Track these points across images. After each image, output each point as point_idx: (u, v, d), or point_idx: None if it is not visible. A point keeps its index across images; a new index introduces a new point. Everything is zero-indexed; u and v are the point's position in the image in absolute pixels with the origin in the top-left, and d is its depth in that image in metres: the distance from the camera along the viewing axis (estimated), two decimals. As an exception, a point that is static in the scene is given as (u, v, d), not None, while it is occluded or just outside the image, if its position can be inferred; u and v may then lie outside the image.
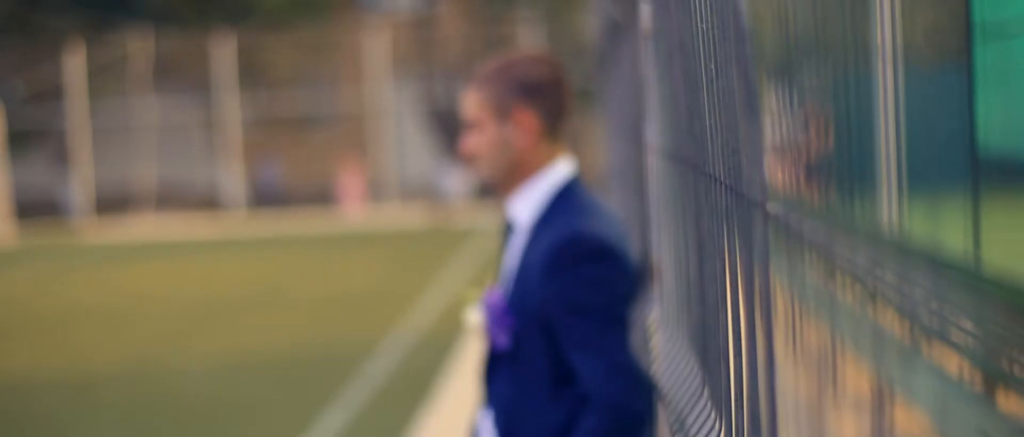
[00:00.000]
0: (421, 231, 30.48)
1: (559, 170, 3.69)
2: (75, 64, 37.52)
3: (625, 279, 3.55)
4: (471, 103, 3.69)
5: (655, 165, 3.83)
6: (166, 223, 36.63)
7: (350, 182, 36.56)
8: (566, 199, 3.65)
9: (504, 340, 3.59)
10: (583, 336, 3.48)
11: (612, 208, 3.78)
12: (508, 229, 3.77)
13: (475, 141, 3.68)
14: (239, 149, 38.50)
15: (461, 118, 3.75)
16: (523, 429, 3.65)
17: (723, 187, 2.36)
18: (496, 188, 3.76)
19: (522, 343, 3.58)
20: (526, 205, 3.68)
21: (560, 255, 3.50)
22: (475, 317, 3.60)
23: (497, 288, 3.67)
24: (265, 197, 38.77)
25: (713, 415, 2.72)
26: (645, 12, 3.86)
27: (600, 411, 3.47)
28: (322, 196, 39.23)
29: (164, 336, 15.87)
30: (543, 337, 3.53)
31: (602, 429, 3.46)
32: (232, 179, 38.77)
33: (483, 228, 29.11)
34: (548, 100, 3.66)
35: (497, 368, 3.65)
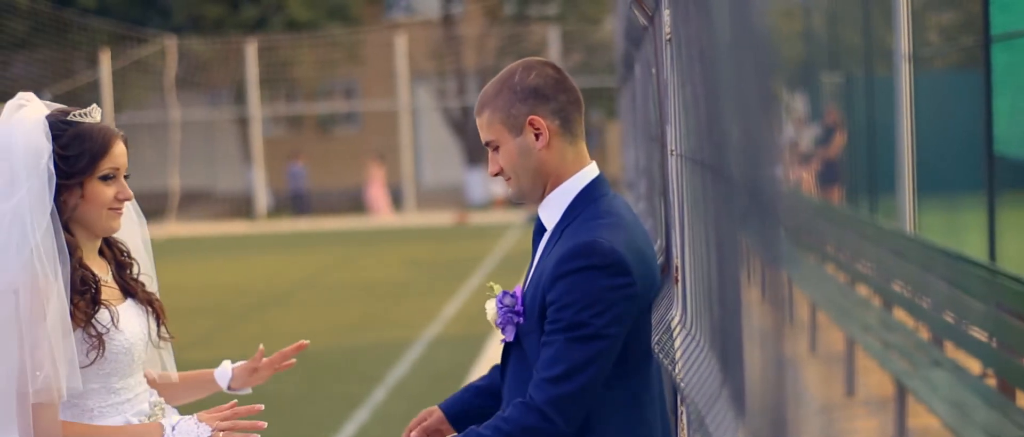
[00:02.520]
0: (448, 231, 30.49)
1: (585, 174, 3.72)
2: (105, 71, 37.64)
3: (629, 301, 3.58)
4: (483, 126, 3.73)
5: (676, 168, 3.87)
6: (195, 226, 36.71)
7: (379, 191, 36.63)
8: (590, 204, 3.67)
9: (509, 334, 3.66)
10: (553, 342, 3.53)
11: (634, 211, 3.81)
12: (538, 231, 3.82)
13: (499, 160, 3.72)
14: (261, 153, 38.59)
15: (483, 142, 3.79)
16: None
17: (742, 190, 2.41)
18: (530, 200, 3.80)
19: (523, 339, 3.63)
20: (553, 209, 3.72)
21: (574, 260, 3.53)
22: (491, 310, 3.67)
23: (519, 286, 3.72)
24: (296, 201, 38.79)
25: (732, 415, 2.76)
26: (666, 17, 3.91)
27: (522, 407, 3.54)
28: (350, 200, 39.30)
29: (195, 332, 15.94)
30: (541, 335, 3.59)
31: (512, 423, 3.53)
32: (258, 183, 38.85)
33: (512, 229, 29.12)
34: (555, 101, 3.69)
35: (508, 359, 3.72)
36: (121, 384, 3.76)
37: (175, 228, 35.93)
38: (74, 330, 3.67)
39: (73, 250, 3.73)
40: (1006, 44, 9.29)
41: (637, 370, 3.63)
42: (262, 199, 38.91)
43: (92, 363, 3.70)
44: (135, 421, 3.83)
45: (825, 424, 8.97)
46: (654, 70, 4.47)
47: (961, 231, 13.03)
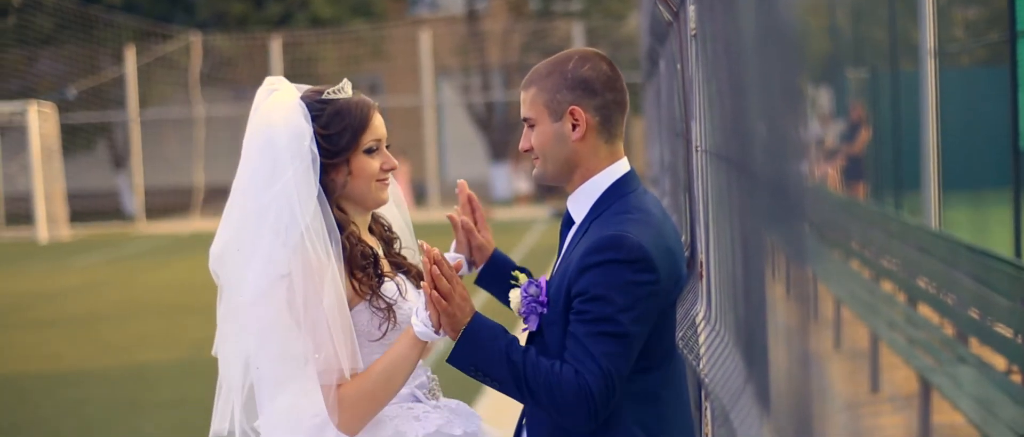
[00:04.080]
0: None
1: (615, 169, 3.72)
2: (130, 67, 37.75)
3: (653, 298, 3.58)
4: (526, 101, 3.74)
5: (701, 164, 3.87)
6: (219, 221, 36.78)
7: (402, 187, 36.71)
8: (619, 198, 3.67)
9: (532, 323, 3.66)
10: (579, 334, 3.52)
11: (662, 207, 3.81)
12: (566, 223, 3.82)
13: (532, 139, 3.73)
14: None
15: (519, 117, 3.80)
16: (534, 418, 3.71)
17: (767, 186, 2.41)
18: (553, 185, 3.82)
19: (546, 329, 3.63)
20: (582, 202, 3.72)
21: (600, 253, 3.53)
22: (516, 299, 3.67)
23: (544, 276, 3.72)
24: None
25: (757, 411, 2.76)
26: (691, 13, 3.90)
27: (573, 375, 3.51)
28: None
29: (215, 328, 15.99)
30: (565, 327, 3.58)
31: (551, 384, 3.50)
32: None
33: (537, 223, 29.10)
34: (601, 98, 3.69)
35: (530, 348, 3.71)
36: None
37: (200, 224, 36.02)
38: (357, 305, 3.69)
39: (346, 227, 3.73)
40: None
41: (658, 367, 3.62)
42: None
43: (383, 336, 3.72)
44: (421, 396, 3.84)
45: (849, 421, 8.96)
46: (679, 66, 4.47)
47: (986, 227, 13.00)
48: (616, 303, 3.49)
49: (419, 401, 3.82)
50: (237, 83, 41.25)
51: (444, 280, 3.53)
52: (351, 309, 3.68)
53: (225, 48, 39.73)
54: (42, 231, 33.44)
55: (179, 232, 34.23)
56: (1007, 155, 9.13)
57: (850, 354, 10.86)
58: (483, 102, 40.28)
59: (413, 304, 3.73)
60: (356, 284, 3.68)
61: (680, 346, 3.59)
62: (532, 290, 3.64)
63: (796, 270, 2.24)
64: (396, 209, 4.02)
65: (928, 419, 7.82)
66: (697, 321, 3.67)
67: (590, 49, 3.82)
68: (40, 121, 34.09)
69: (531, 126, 3.72)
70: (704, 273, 3.72)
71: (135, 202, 38.06)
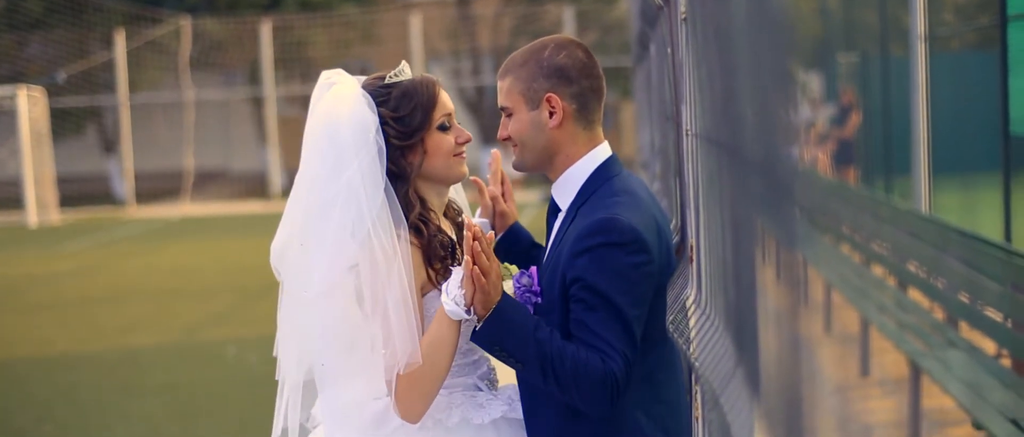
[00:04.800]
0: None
1: (597, 155, 3.72)
2: (120, 51, 37.68)
3: (649, 279, 3.57)
4: (503, 90, 3.74)
5: (691, 148, 3.88)
6: (209, 206, 36.77)
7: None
8: (604, 182, 3.67)
9: None
10: (586, 321, 3.51)
11: (648, 189, 3.81)
12: (553, 211, 3.82)
13: (510, 127, 3.74)
14: (276, 133, 38.63)
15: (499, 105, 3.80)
16: (539, 401, 3.70)
17: (757, 170, 2.41)
18: (534, 172, 3.82)
19: (542, 318, 3.63)
20: (566, 189, 3.73)
21: (592, 237, 3.53)
22: (509, 291, 3.66)
23: (534, 266, 3.72)
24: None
25: (747, 395, 2.76)
26: (681, -3, 3.90)
27: (599, 358, 3.49)
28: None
29: (211, 312, 15.99)
30: (561, 315, 3.58)
31: (577, 368, 3.48)
32: (272, 163, 38.90)
33: (527, 208, 29.10)
34: (577, 85, 3.69)
35: (555, 332, 3.69)
36: (469, 345, 3.74)
37: (190, 208, 36.00)
38: (430, 292, 3.67)
39: (426, 215, 3.72)
40: (1023, 24, 9.26)
41: (654, 349, 3.63)
42: (276, 179, 38.96)
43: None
44: (482, 386, 3.82)
45: (839, 404, 8.97)
46: (669, 50, 4.47)
47: (977, 211, 13.02)
48: (615, 287, 3.49)
49: (481, 390, 3.81)
50: (227, 67, 41.22)
51: (484, 257, 3.49)
52: (424, 295, 3.67)
53: (215, 32, 39.66)
54: (32, 216, 33.40)
55: (169, 216, 34.20)
56: (997, 139, 9.15)
57: (840, 338, 10.88)
58: (473, 86, 40.28)
59: None
60: (433, 273, 3.67)
61: (670, 330, 3.59)
62: (524, 280, 3.64)
63: (786, 254, 2.25)
64: (453, 192, 4.01)
65: (918, 403, 7.83)
66: (687, 305, 3.67)
67: (566, 36, 3.82)
68: (29, 105, 34.02)
69: (508, 115, 3.73)
70: (694, 257, 3.73)
71: (125, 186, 38.02)
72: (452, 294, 3.53)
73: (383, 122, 3.69)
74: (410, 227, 3.67)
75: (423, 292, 3.67)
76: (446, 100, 3.80)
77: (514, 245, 4.08)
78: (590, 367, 3.47)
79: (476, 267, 3.47)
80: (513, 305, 3.55)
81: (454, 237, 3.82)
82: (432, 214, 3.75)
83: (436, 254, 3.68)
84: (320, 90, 3.76)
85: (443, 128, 3.76)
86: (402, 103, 3.72)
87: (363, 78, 3.81)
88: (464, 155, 3.81)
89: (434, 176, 3.76)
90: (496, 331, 3.52)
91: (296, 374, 3.78)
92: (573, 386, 3.48)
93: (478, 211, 4.17)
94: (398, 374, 3.59)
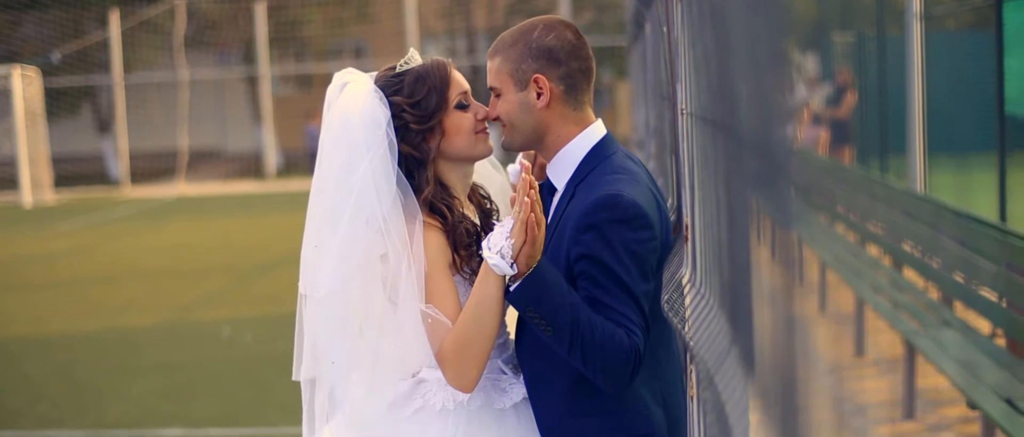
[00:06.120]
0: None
1: (591, 133, 3.72)
2: (114, 31, 37.63)
3: (653, 254, 3.57)
4: (492, 71, 3.75)
5: (686, 127, 3.87)
6: (204, 186, 36.76)
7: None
8: (602, 160, 3.67)
9: None
10: (599, 297, 3.50)
11: (644, 167, 3.81)
12: (548, 191, 3.81)
13: (499, 108, 3.74)
14: (271, 112, 38.61)
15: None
16: (542, 378, 3.70)
17: (752, 149, 2.41)
18: (519, 151, 3.82)
19: None
20: (562, 168, 3.73)
21: (596, 214, 3.52)
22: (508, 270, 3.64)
23: None
24: (313, 161, 38.88)
25: (741, 374, 2.76)
26: (677, -24, 3.89)
27: (625, 334, 3.47)
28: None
29: (206, 291, 16.00)
30: None
31: (606, 341, 3.45)
32: (267, 143, 38.89)
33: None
34: (565, 66, 3.69)
35: (525, 322, 3.69)
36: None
37: (185, 188, 35.98)
38: (454, 275, 3.64)
39: (450, 201, 3.70)
40: (1018, 3, 9.26)
41: (654, 325, 3.63)
42: (272, 158, 38.94)
43: None
44: (507, 370, 3.78)
45: (834, 384, 8.98)
46: (665, 28, 4.46)
47: (972, 191, 13.02)
48: (623, 263, 3.49)
49: (505, 374, 3.80)
50: (221, 47, 41.17)
51: (539, 206, 3.45)
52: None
53: (209, 12, 39.60)
54: (27, 196, 33.39)
55: (164, 196, 34.18)
56: (992, 119, 9.15)
57: (835, 318, 10.89)
58: (469, 65, 40.23)
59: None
60: (458, 260, 3.65)
61: (665, 309, 3.59)
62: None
63: (781, 233, 2.25)
64: (494, 170, 3.99)
65: (912, 382, 7.84)
66: (683, 284, 3.67)
67: (556, 17, 3.82)
68: (24, 85, 33.99)
69: (497, 95, 3.73)
70: (689, 236, 3.72)
71: (120, 166, 38.00)
72: (496, 248, 3.46)
73: (400, 110, 3.69)
74: (431, 210, 3.66)
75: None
76: (460, 79, 3.80)
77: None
78: (617, 340, 3.45)
79: (532, 214, 3.42)
80: (551, 267, 3.50)
81: (478, 223, 3.80)
82: (455, 201, 3.73)
83: (461, 240, 3.67)
84: (334, 91, 3.76)
85: (461, 107, 3.75)
86: (416, 88, 3.72)
87: (374, 73, 3.81)
88: (487, 131, 3.80)
89: (458, 155, 3.75)
90: (536, 290, 3.47)
91: (309, 373, 3.77)
92: (599, 359, 3.46)
93: (518, 157, 4.10)
94: (444, 343, 3.57)
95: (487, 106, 3.81)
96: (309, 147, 38.60)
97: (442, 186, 3.73)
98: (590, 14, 38.89)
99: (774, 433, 2.28)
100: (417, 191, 3.68)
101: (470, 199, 3.86)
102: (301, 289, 3.74)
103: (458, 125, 3.73)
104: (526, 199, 3.42)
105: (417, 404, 3.68)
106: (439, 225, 3.65)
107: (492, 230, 3.63)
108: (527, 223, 3.42)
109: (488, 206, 3.92)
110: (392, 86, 3.72)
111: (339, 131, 3.69)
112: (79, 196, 35.18)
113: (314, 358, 3.73)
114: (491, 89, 3.75)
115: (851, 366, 9.41)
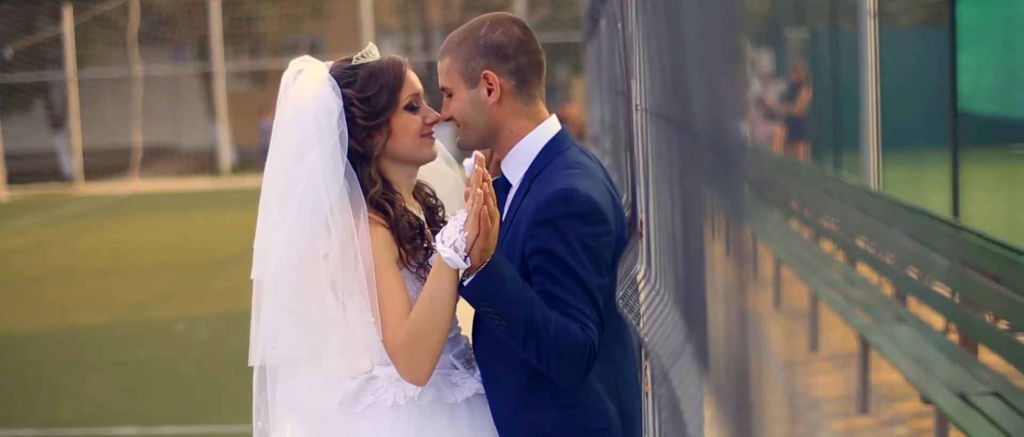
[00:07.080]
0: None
1: (546, 129, 3.72)
2: (67, 26, 37.40)
3: (608, 248, 3.56)
4: (442, 71, 3.75)
5: (641, 123, 3.87)
6: (158, 182, 36.60)
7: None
8: (557, 155, 3.67)
9: None
10: (554, 292, 3.50)
11: (599, 163, 3.81)
12: (503, 187, 3.81)
13: (451, 107, 3.73)
14: (225, 109, 38.47)
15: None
16: (497, 373, 3.69)
17: (706, 145, 2.41)
18: (475, 149, 3.81)
19: None
20: (517, 164, 3.72)
21: (551, 208, 3.51)
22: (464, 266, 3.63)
23: None
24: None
25: (696, 370, 2.76)
26: (631, -28, 3.89)
27: (579, 329, 3.47)
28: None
29: (160, 289, 15.92)
30: None
31: (560, 335, 3.44)
32: (222, 139, 38.74)
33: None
34: (514, 61, 3.69)
35: (481, 320, 3.69)
36: None
37: (139, 185, 35.81)
38: (401, 269, 3.63)
39: (391, 196, 3.68)
40: (972, 0, 9.31)
41: (610, 321, 3.63)
42: (226, 155, 38.79)
43: None
44: (458, 365, 3.76)
45: (788, 379, 9.01)
46: (620, 24, 4.46)
47: (925, 187, 13.09)
48: (578, 257, 3.49)
49: (457, 369, 3.79)
50: (176, 42, 40.99)
51: (493, 199, 3.45)
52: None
53: (163, 7, 39.42)
54: (-21, 192, 33.15)
55: (118, 193, 34.01)
56: (946, 115, 9.19)
57: (789, 313, 10.93)
58: (424, 61, 40.18)
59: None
60: (404, 253, 3.65)
61: (620, 305, 3.59)
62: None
63: (735, 229, 2.25)
64: (449, 168, 3.99)
65: (866, 378, 7.87)
66: (637, 280, 3.67)
67: (504, 13, 3.82)
68: (-24, 81, 33.73)
69: (449, 96, 3.73)
70: (644, 232, 3.73)
71: (73, 163, 37.78)
72: (450, 241, 3.45)
73: (349, 103, 3.69)
74: (375, 206, 3.65)
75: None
76: (414, 80, 3.79)
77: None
78: (572, 335, 3.45)
79: (486, 207, 3.42)
80: (505, 261, 3.50)
81: (423, 218, 3.80)
82: (397, 196, 3.72)
83: (404, 234, 3.66)
84: (289, 77, 3.75)
85: (411, 108, 3.74)
86: (368, 84, 3.71)
87: (331, 62, 3.80)
88: (432, 136, 3.79)
89: (401, 157, 3.74)
90: (490, 285, 3.47)
91: (261, 360, 3.76)
92: (554, 353, 3.46)
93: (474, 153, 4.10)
94: (397, 336, 3.57)
95: (439, 110, 3.80)
96: (263, 144, 38.51)
97: (385, 183, 3.72)
98: (545, 10, 38.90)
99: (728, 429, 2.28)
100: (362, 187, 3.67)
101: (415, 197, 3.85)
102: (252, 274, 3.74)
103: (405, 126, 3.72)
104: (479, 191, 3.42)
105: (368, 401, 3.68)
106: (383, 221, 3.65)
107: (439, 226, 3.63)
108: (480, 215, 3.41)
109: (433, 202, 3.91)
110: (345, 78, 3.72)
111: (292, 117, 3.68)
112: (32, 193, 34.97)
113: (262, 344, 3.73)
114: (443, 89, 3.75)
115: (805, 361, 9.44)
